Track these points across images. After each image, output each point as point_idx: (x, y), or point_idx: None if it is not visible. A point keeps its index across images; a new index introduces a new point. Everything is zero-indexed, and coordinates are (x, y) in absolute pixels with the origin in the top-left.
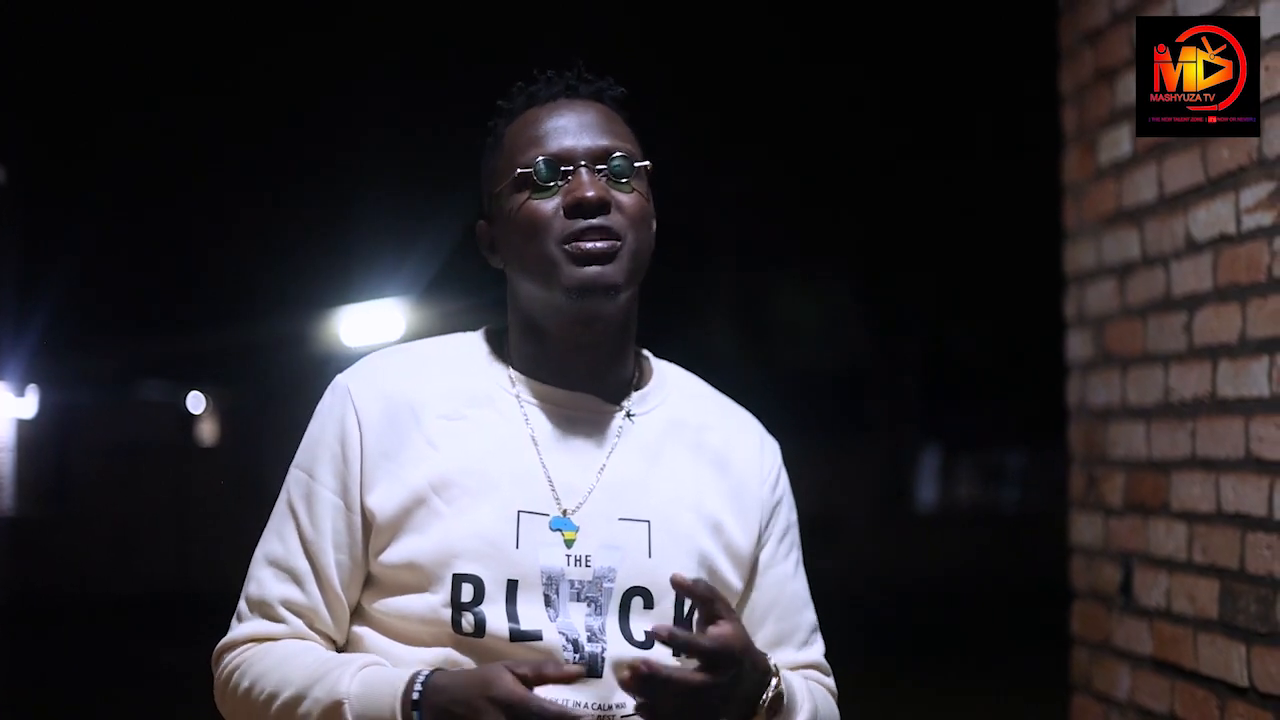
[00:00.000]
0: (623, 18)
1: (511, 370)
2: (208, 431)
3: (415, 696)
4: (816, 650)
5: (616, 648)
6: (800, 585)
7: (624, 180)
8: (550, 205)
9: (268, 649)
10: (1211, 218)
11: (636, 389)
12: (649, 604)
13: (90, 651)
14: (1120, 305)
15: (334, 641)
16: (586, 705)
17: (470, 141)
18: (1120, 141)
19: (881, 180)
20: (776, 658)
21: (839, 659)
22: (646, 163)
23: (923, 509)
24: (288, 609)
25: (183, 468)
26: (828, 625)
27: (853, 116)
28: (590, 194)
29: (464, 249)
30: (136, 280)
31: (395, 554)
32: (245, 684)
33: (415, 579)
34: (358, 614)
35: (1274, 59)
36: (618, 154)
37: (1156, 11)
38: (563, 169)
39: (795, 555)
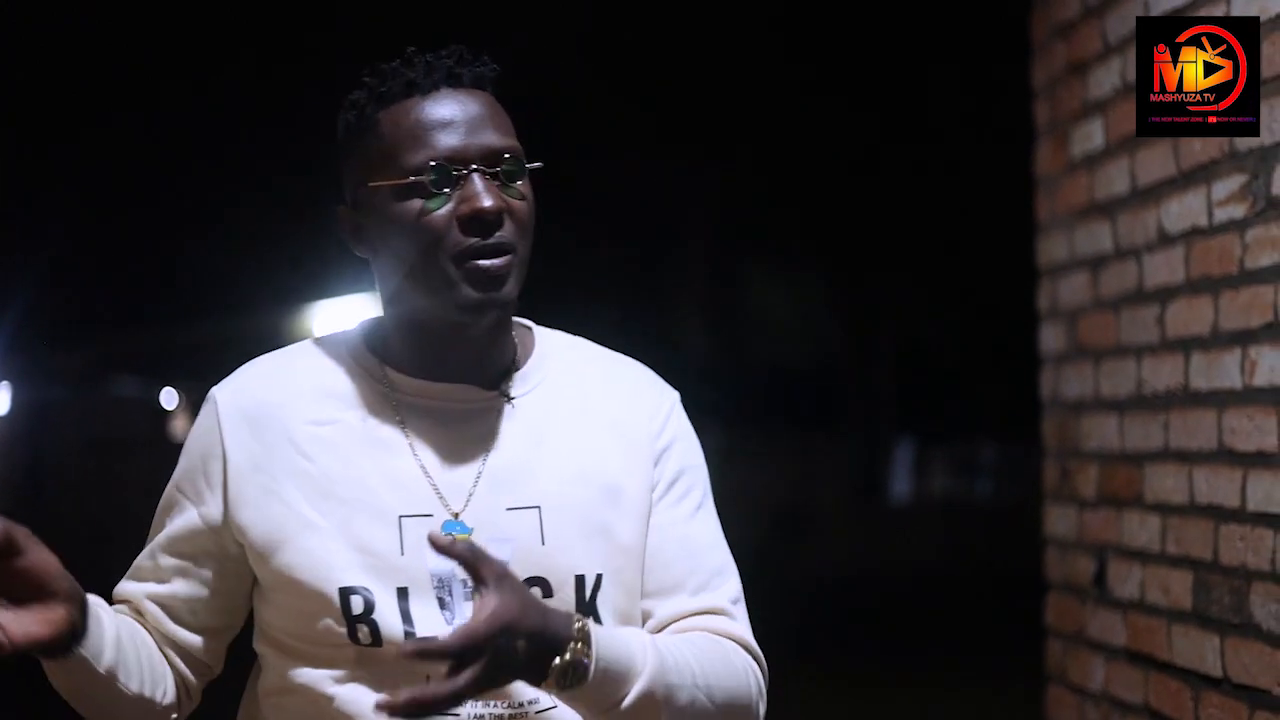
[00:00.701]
0: (600, 13)
1: (385, 367)
2: (181, 427)
3: None
4: (718, 596)
5: None
6: (699, 529)
7: (515, 184)
8: (442, 215)
9: None
10: (1183, 210)
11: (517, 369)
12: (547, 593)
13: None
14: (1093, 298)
15: (197, 654)
16: (498, 703)
17: None
18: (1092, 134)
19: (855, 174)
20: (667, 606)
21: (814, 651)
22: (538, 164)
23: (896, 502)
24: (120, 599)
25: (156, 464)
26: (802, 618)
27: (826, 110)
28: (489, 204)
29: None
30: (109, 276)
31: (278, 569)
32: None
33: (302, 595)
34: (262, 634)
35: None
36: (510, 155)
37: (1129, 6)
38: (454, 173)
39: (693, 499)
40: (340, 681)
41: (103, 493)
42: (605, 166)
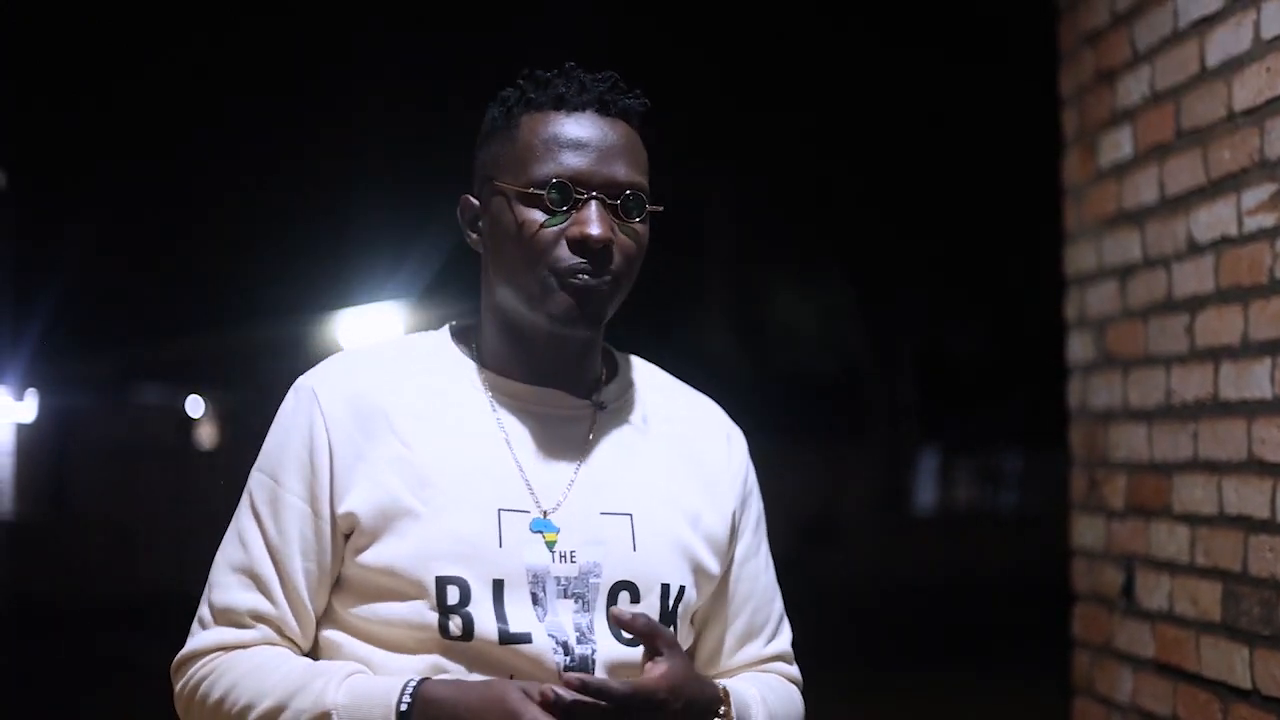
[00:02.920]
0: (624, 13)
1: (480, 368)
2: (206, 435)
3: (404, 707)
4: (783, 640)
5: (607, 647)
6: (771, 575)
7: (632, 220)
8: (553, 231)
9: (237, 657)
10: (1213, 219)
11: (606, 382)
12: (635, 598)
13: (89, 656)
14: (1121, 307)
15: (301, 649)
16: None
17: (468, 146)
18: (1121, 143)
19: (880, 183)
20: (745, 652)
21: (838, 662)
22: (659, 207)
23: (922, 512)
24: (254, 618)
25: (182, 471)
26: (826, 628)
27: (852, 117)
28: (596, 233)
29: (461, 253)
30: (135, 283)
31: (374, 558)
32: (216, 694)
33: (397, 584)
34: (332, 619)
35: (1274, 60)
36: (632, 191)
37: (1158, 14)
38: (575, 194)
39: (765, 546)
40: (421, 673)
41: (128, 499)
42: None
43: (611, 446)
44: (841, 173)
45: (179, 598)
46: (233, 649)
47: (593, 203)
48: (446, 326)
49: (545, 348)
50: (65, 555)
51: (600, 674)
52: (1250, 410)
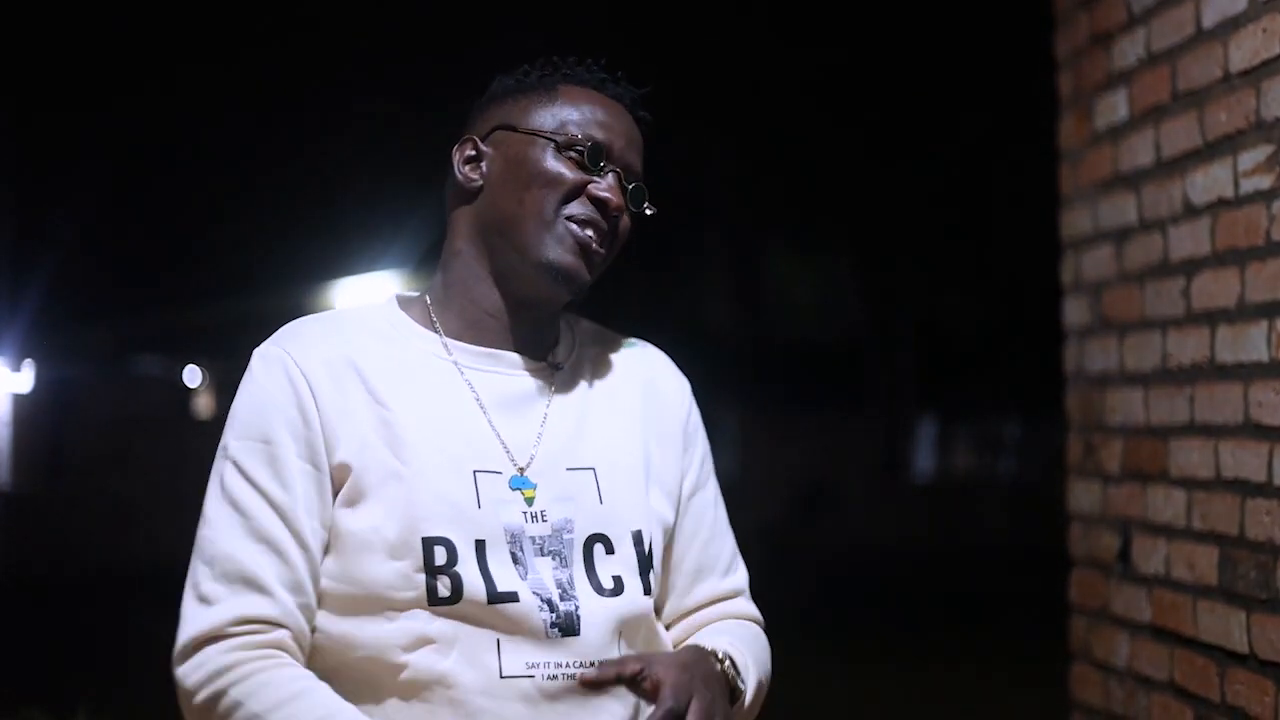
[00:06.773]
0: None
1: (442, 336)
2: (204, 405)
3: None
4: (740, 577)
5: (589, 602)
6: (721, 513)
7: (635, 207)
8: (578, 181)
9: (269, 679)
10: (1209, 182)
11: (555, 344)
12: (610, 549)
13: (87, 627)
14: (1118, 271)
15: (310, 615)
16: (570, 664)
17: (462, 117)
18: (1117, 106)
19: (877, 150)
20: (701, 589)
21: (837, 628)
22: (653, 209)
23: (920, 479)
24: (278, 582)
25: (179, 442)
26: (825, 595)
27: (847, 84)
28: (617, 201)
29: None
30: (133, 254)
31: (361, 516)
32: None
33: (382, 544)
34: (324, 595)
35: (1271, 20)
36: (640, 185)
37: None
38: (602, 162)
39: (713, 483)
40: (408, 649)
41: (126, 470)
42: None
43: (570, 403)
44: (837, 141)
45: (176, 568)
46: (253, 624)
47: (613, 174)
48: (393, 298)
49: (509, 315)
50: (62, 526)
51: (586, 629)
52: (1247, 373)
